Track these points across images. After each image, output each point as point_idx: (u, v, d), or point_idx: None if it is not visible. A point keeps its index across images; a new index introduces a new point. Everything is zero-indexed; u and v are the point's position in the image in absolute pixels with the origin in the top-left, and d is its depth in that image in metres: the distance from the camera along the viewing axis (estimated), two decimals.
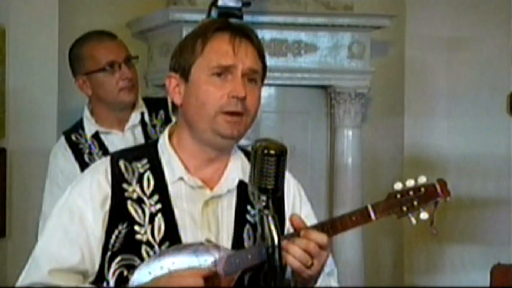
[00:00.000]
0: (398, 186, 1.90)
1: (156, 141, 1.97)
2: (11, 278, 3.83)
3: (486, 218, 4.75)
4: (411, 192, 1.90)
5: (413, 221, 1.90)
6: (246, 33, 1.90)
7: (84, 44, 2.98)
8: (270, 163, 1.70)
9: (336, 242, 3.88)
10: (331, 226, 1.85)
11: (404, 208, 1.89)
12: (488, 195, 4.76)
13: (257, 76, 1.91)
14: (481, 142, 4.73)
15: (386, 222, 4.62)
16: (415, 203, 1.90)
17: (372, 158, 4.51)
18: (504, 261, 4.00)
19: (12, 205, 3.94)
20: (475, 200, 4.72)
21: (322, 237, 1.80)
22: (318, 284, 1.89)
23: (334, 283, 2.03)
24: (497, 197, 4.75)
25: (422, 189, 1.90)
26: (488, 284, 3.88)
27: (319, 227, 1.85)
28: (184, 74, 1.89)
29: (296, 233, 1.82)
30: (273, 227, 1.70)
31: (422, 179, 1.91)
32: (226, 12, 3.30)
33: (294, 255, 1.78)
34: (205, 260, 1.80)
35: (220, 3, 3.30)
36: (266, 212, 1.72)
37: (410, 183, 1.90)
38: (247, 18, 3.54)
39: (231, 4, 3.33)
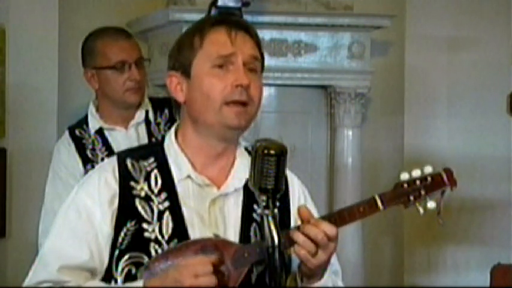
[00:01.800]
0: (404, 176, 1.91)
1: (162, 140, 1.98)
2: (11, 278, 3.83)
3: (486, 218, 4.75)
4: (418, 182, 1.90)
5: (421, 210, 1.90)
6: (242, 26, 1.92)
7: (99, 39, 2.99)
8: (270, 163, 1.70)
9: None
10: (338, 217, 1.85)
11: (412, 197, 1.90)
12: (488, 196, 4.76)
13: (258, 64, 1.92)
14: (481, 142, 4.73)
15: (386, 222, 4.61)
16: (422, 192, 1.90)
17: (372, 158, 4.51)
18: (504, 261, 4.01)
19: (12, 205, 3.94)
20: (475, 200, 4.72)
21: (331, 229, 1.81)
22: (324, 280, 1.88)
23: (340, 283, 2.03)
24: (497, 197, 4.75)
25: (429, 179, 1.90)
26: (488, 284, 3.88)
27: (327, 218, 1.85)
28: (186, 70, 1.90)
29: (303, 225, 1.82)
30: (273, 227, 1.70)
31: (428, 169, 1.92)
32: (225, 12, 3.31)
33: (300, 242, 1.78)
34: (214, 255, 1.80)
35: (220, 3, 3.31)
36: (266, 212, 1.71)
37: (416, 172, 1.91)
38: (247, 18, 3.54)
39: (231, 4, 3.33)
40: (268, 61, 4.56)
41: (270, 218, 1.71)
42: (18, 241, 3.88)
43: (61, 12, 4.03)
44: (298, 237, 1.79)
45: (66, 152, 2.97)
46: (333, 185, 4.25)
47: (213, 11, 3.29)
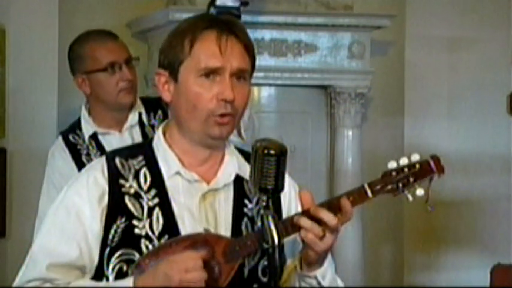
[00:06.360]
0: (392, 164, 1.92)
1: (151, 139, 1.98)
2: (11, 278, 3.82)
3: (486, 218, 4.75)
4: (406, 169, 1.92)
5: (410, 197, 1.91)
6: (233, 30, 1.89)
7: (86, 43, 2.97)
8: (270, 163, 1.70)
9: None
10: (328, 207, 1.85)
11: (400, 185, 1.91)
12: (489, 196, 4.76)
13: (246, 74, 1.91)
14: (481, 142, 4.73)
15: (386, 222, 4.60)
16: (411, 179, 1.91)
17: (372, 158, 4.50)
18: (504, 261, 4.00)
19: (12, 205, 3.95)
20: (475, 200, 4.72)
21: (331, 218, 1.81)
22: (324, 268, 1.89)
23: (340, 283, 2.03)
24: (497, 197, 4.75)
25: (417, 166, 1.92)
26: (488, 284, 3.88)
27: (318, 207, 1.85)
28: (173, 73, 1.90)
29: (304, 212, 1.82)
30: (273, 227, 1.70)
31: (416, 157, 1.93)
32: (224, 12, 3.29)
33: (307, 227, 1.79)
34: (204, 250, 1.80)
35: (218, 2, 3.29)
36: (266, 211, 1.72)
37: (404, 161, 1.92)
38: (246, 18, 3.54)
39: (229, 4, 3.31)
40: (268, 61, 4.53)
41: (270, 218, 1.71)
42: (18, 241, 3.88)
43: (61, 12, 4.03)
44: (306, 222, 1.80)
45: (61, 159, 2.94)
46: (333, 185, 4.25)
47: (212, 11, 3.27)
